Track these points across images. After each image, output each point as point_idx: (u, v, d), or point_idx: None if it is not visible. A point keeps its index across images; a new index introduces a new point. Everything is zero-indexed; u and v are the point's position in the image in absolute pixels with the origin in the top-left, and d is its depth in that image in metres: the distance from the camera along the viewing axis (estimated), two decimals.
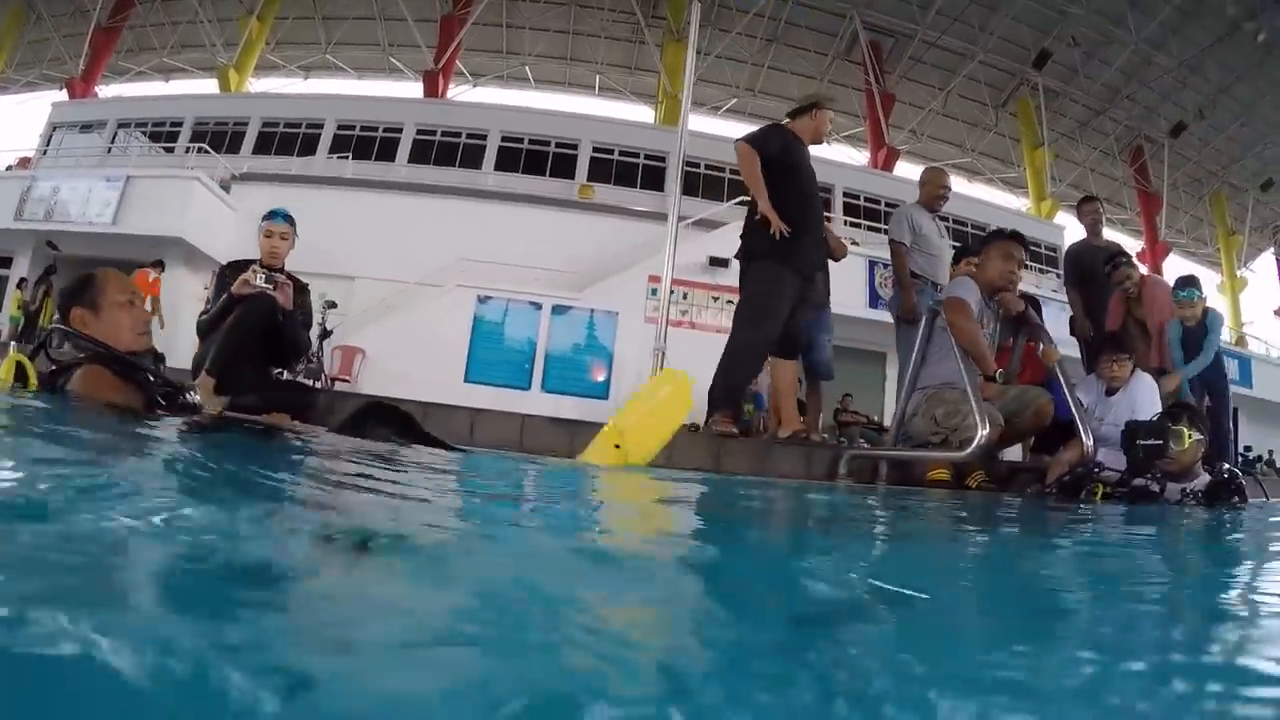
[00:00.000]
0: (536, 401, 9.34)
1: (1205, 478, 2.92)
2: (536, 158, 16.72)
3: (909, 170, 21.99)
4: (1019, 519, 2.28)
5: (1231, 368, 17.12)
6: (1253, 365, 17.84)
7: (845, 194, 17.27)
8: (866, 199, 17.47)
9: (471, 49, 20.46)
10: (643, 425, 2.74)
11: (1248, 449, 16.86)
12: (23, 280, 12.05)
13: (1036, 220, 19.23)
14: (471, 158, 16.49)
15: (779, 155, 3.91)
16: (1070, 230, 17.50)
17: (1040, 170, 20.98)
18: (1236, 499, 2.85)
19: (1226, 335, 21.52)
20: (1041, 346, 3.74)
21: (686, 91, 5.38)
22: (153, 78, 22.24)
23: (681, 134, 5.19)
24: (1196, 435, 2.87)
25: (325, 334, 8.92)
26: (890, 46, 20.82)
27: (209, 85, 19.73)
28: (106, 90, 20.72)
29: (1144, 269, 5.07)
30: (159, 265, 9.84)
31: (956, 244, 4.84)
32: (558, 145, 16.80)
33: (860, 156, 22.17)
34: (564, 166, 16.61)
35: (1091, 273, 5.05)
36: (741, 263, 4.08)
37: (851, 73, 21.02)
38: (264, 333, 3.21)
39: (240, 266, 3.35)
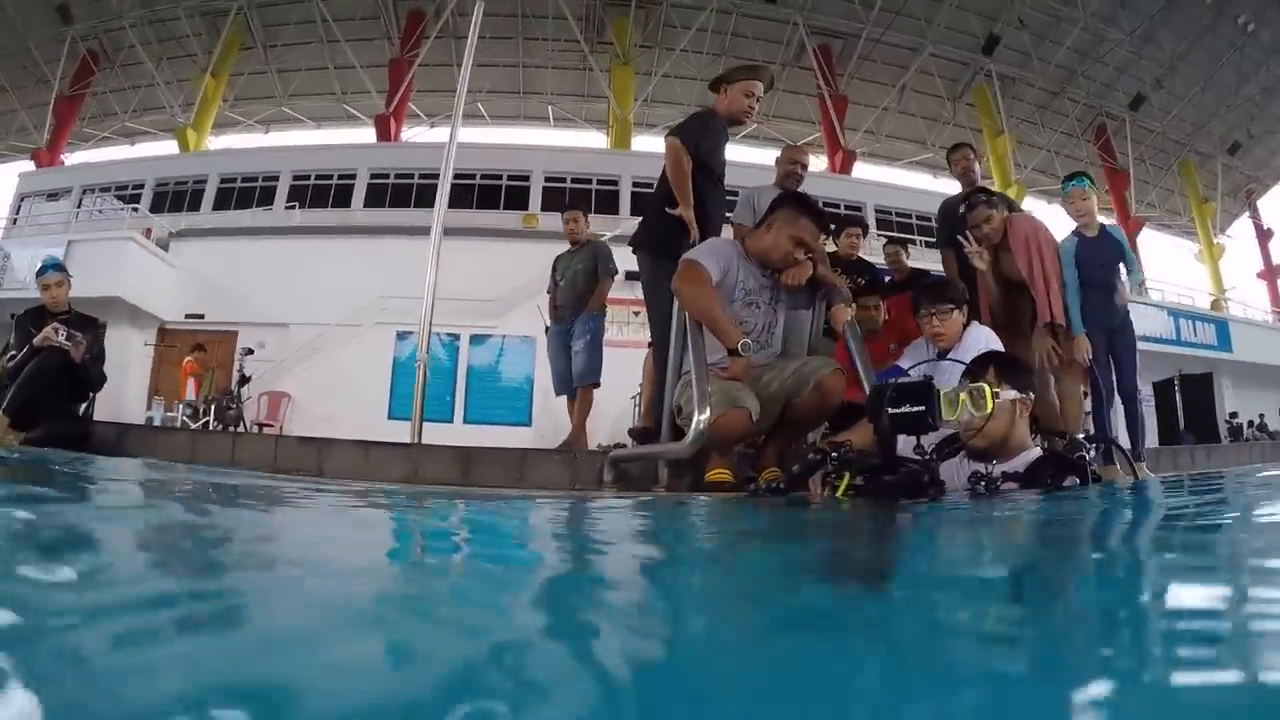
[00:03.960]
0: (459, 433, 9.27)
1: (1034, 454, 2.01)
2: (490, 192, 16.90)
3: (867, 172, 21.97)
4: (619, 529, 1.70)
5: (1209, 332, 17.02)
6: (1231, 329, 17.57)
7: None
8: (825, 204, 17.39)
9: (424, 90, 20.70)
10: None
11: (1234, 414, 16.48)
12: None
13: None
14: (426, 198, 16.65)
15: (701, 147, 3.56)
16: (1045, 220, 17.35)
17: (1003, 157, 20.81)
18: (1076, 480, 1.91)
19: (1205, 302, 21.10)
20: (835, 307, 3.07)
21: (459, 99, 5.35)
22: (118, 142, 22.61)
23: (450, 148, 5.15)
24: (1012, 395, 1.96)
25: (244, 380, 8.92)
26: (839, 48, 20.88)
27: (172, 146, 20.14)
28: (74, 157, 21.18)
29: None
30: (197, 349, 10.10)
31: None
32: (510, 178, 16.98)
33: (819, 162, 22.09)
34: (518, 198, 16.78)
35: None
36: (643, 257, 3.65)
37: (803, 79, 21.03)
38: (63, 376, 3.82)
39: (34, 314, 3.98)
